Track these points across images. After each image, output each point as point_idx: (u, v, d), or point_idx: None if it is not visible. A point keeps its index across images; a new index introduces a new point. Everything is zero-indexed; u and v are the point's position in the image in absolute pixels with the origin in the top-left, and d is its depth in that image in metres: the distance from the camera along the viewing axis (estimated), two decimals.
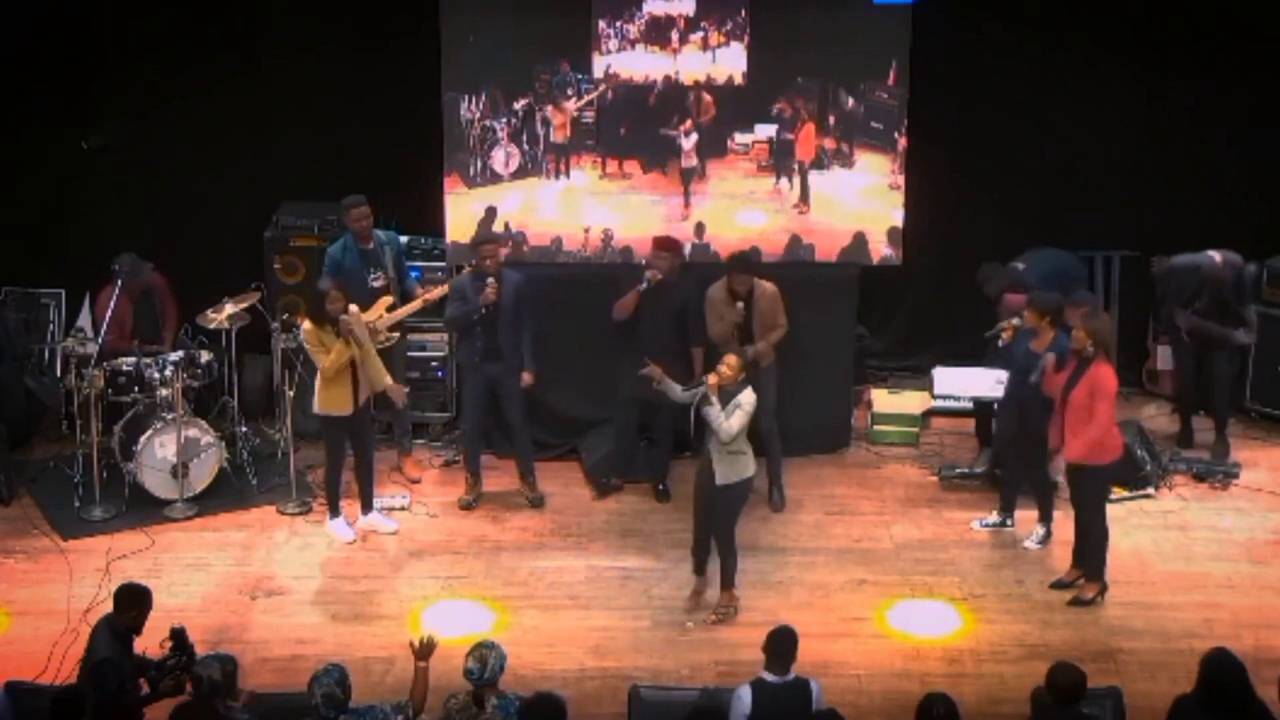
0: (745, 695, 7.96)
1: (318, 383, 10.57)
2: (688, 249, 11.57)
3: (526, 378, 10.99)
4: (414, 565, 10.56)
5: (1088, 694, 8.27)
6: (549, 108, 11.52)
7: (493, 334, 10.91)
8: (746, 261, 10.90)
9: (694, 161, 11.58)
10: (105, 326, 11.24)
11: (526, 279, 11.03)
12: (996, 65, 12.34)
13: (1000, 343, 10.62)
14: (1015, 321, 10.49)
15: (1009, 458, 10.88)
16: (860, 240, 11.71)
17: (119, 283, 11.33)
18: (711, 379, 9.47)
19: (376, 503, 11.00)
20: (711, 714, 7.76)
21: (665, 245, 11.05)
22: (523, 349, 10.99)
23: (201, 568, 10.46)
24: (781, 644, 8.08)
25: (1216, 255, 11.57)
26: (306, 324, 10.51)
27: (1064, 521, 10.54)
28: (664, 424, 11.28)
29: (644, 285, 10.84)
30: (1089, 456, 9.81)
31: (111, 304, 11.30)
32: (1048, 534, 10.67)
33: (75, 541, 10.73)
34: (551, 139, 11.58)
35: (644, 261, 11.16)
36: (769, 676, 8.02)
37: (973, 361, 11.42)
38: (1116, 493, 10.40)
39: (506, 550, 10.74)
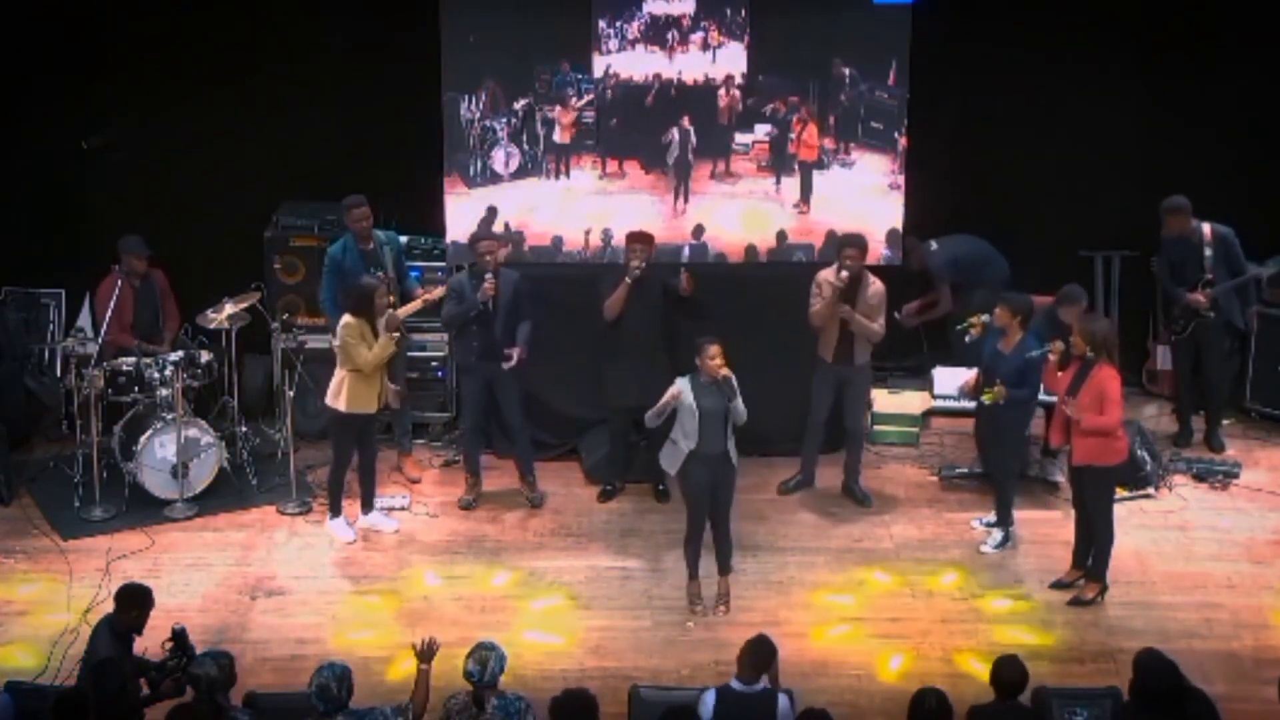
0: (710, 700, 7.90)
1: (345, 379, 10.45)
2: (685, 251, 11.60)
3: (516, 351, 10.82)
4: (414, 566, 10.56)
5: (1087, 694, 8.32)
6: (550, 108, 11.53)
7: (489, 332, 10.91)
8: (862, 240, 10.91)
9: (689, 158, 11.59)
10: (107, 319, 11.24)
11: (524, 277, 11.03)
12: (996, 65, 12.33)
13: (968, 339, 10.63)
14: (985, 318, 10.49)
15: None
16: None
17: (120, 275, 11.34)
18: (726, 371, 9.57)
19: (377, 503, 11.00)
20: (683, 714, 7.71)
21: (638, 238, 11.04)
22: (518, 335, 10.92)
23: (201, 568, 10.46)
24: (755, 654, 7.99)
25: (1205, 226, 11.60)
26: (347, 318, 10.42)
27: (1063, 522, 10.55)
28: (660, 425, 11.27)
29: (632, 277, 10.83)
30: (1095, 457, 9.81)
31: (114, 295, 11.30)
32: (1006, 538, 10.66)
33: (75, 541, 10.73)
34: (552, 139, 11.58)
35: (623, 256, 11.15)
36: (736, 685, 7.96)
37: (966, 362, 11.43)
38: (1117, 493, 10.39)
39: (506, 550, 10.74)
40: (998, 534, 10.67)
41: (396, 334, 10.53)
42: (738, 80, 11.48)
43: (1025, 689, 7.90)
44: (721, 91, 11.48)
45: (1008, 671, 7.88)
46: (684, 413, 9.70)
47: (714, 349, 9.61)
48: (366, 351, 10.36)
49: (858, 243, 10.87)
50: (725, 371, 9.58)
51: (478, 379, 11.08)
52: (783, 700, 7.93)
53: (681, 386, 9.70)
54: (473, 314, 10.87)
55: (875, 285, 10.90)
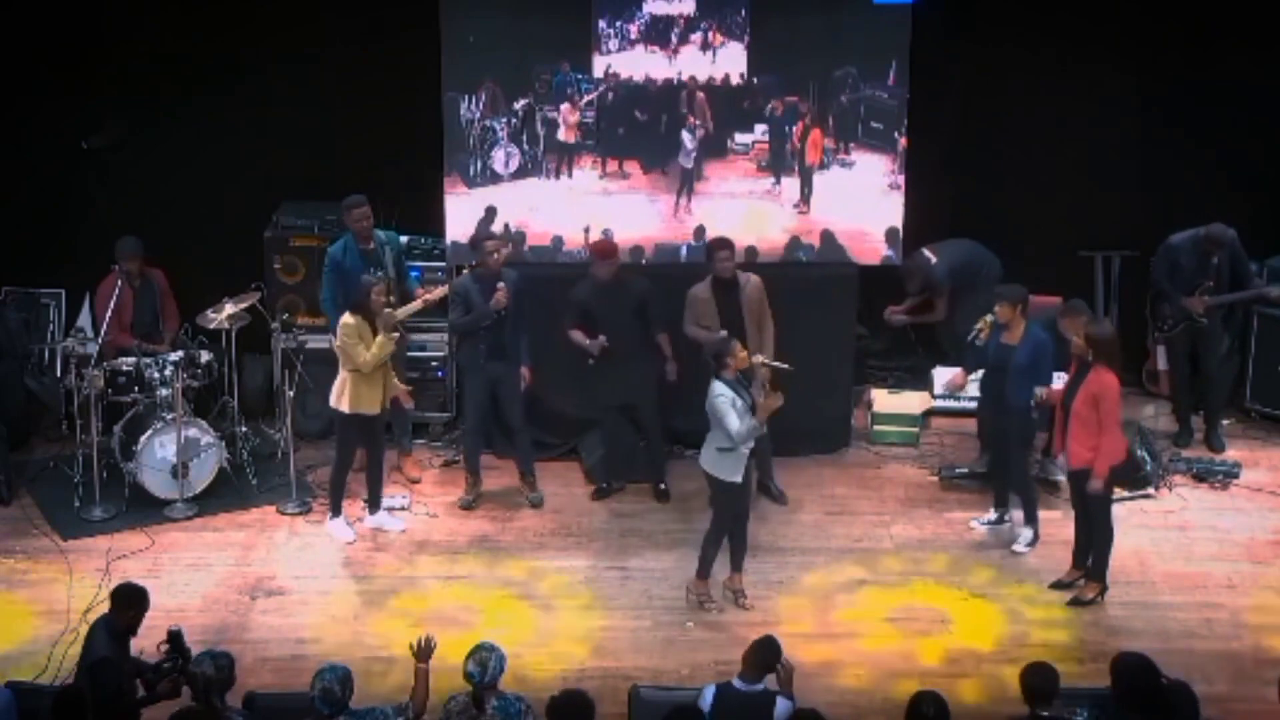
0: (708, 695, 7.89)
1: (347, 380, 10.48)
2: (683, 252, 11.63)
3: (526, 374, 11.03)
4: (414, 565, 10.56)
5: (1088, 694, 8.30)
6: (550, 108, 11.53)
7: (498, 334, 10.95)
8: (731, 243, 10.94)
9: (693, 159, 11.59)
10: (107, 319, 11.25)
11: (523, 276, 11.06)
12: (996, 65, 12.34)
13: (978, 342, 10.64)
14: (989, 319, 10.52)
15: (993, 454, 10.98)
16: (860, 240, 11.72)
17: (120, 275, 11.35)
18: (759, 357, 9.89)
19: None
20: (689, 713, 7.73)
21: (599, 253, 11.12)
22: (522, 348, 11.03)
23: (201, 568, 10.47)
24: (759, 654, 7.98)
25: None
26: (346, 317, 10.45)
27: (1063, 522, 10.55)
28: (651, 423, 11.29)
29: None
30: (1092, 460, 9.82)
31: (113, 296, 11.31)
32: (1035, 536, 10.67)
33: (75, 541, 10.73)
34: (553, 139, 11.58)
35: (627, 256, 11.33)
36: (738, 683, 7.96)
37: (968, 364, 11.44)
38: (1117, 493, 10.40)
39: (506, 550, 10.74)
40: (1027, 533, 10.65)
41: (395, 334, 10.54)
42: (702, 81, 11.45)
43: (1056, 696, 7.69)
44: (684, 94, 11.46)
45: (1035, 678, 7.67)
46: (742, 414, 9.58)
47: (736, 343, 9.73)
48: (365, 351, 10.36)
49: (729, 245, 10.87)
50: (759, 358, 9.82)
51: (482, 378, 11.09)
52: (782, 704, 7.88)
53: (729, 394, 9.60)
54: (485, 324, 10.89)
55: (753, 282, 10.80)
